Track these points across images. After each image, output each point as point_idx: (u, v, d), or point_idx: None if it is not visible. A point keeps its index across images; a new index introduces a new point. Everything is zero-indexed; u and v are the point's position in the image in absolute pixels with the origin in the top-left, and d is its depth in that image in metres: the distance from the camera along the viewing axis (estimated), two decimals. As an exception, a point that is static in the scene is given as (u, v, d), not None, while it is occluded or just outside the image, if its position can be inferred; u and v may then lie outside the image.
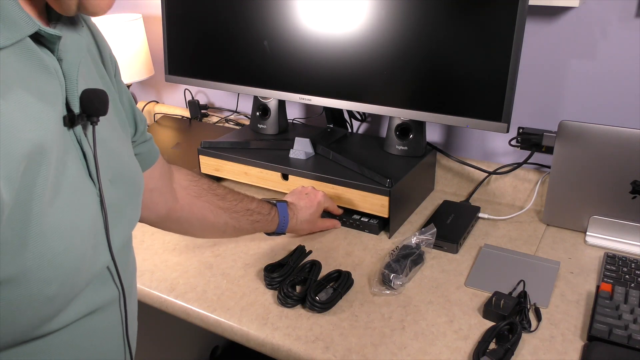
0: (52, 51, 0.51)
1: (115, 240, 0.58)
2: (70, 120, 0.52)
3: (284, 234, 1.04)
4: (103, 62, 0.64)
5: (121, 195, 0.60)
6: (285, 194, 1.23)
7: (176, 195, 0.88)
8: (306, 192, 1.09)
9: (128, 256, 0.66)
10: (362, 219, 1.12)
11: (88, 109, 0.53)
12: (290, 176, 1.18)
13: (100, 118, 0.55)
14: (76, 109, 0.53)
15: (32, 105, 0.47)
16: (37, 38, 0.49)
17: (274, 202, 1.02)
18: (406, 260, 0.96)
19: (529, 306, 0.88)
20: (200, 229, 0.94)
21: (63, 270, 0.49)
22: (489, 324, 0.85)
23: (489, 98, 1.01)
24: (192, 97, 1.67)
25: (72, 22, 0.56)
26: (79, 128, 0.53)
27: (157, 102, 1.77)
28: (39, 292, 0.47)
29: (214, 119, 1.64)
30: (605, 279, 0.93)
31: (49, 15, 0.54)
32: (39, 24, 0.48)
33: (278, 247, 1.07)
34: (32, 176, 0.45)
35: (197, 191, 0.91)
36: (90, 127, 0.54)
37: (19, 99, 0.46)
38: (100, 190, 0.55)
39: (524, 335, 0.82)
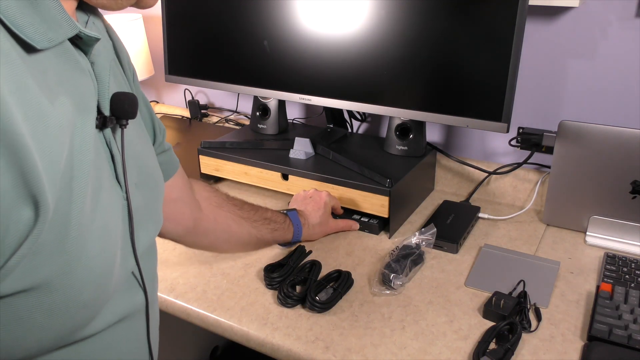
0: (85, 53, 0.51)
1: (139, 245, 0.57)
2: (101, 123, 0.52)
3: (300, 242, 1.04)
4: (123, 67, 0.64)
5: (145, 200, 0.60)
6: (285, 194, 1.23)
7: (200, 205, 0.87)
8: (310, 196, 1.09)
9: (152, 263, 0.66)
10: (362, 219, 1.12)
11: (118, 111, 0.53)
12: (290, 176, 1.18)
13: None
14: (106, 112, 0.53)
15: (71, 108, 0.47)
16: (73, 40, 0.49)
17: (284, 211, 1.02)
18: (406, 260, 0.96)
19: (529, 306, 0.88)
20: (226, 240, 0.93)
21: (97, 274, 0.49)
22: (489, 324, 0.85)
23: (489, 98, 1.01)
24: (192, 97, 1.67)
25: (97, 25, 0.56)
26: (108, 131, 0.53)
27: (157, 102, 1.77)
28: (75, 297, 0.47)
29: (214, 119, 1.64)
30: (605, 279, 0.93)
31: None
32: (79, 26, 0.48)
33: (278, 247, 1.07)
34: (72, 178, 0.45)
35: (217, 201, 0.91)
36: (118, 130, 0.54)
37: (62, 101, 0.46)
38: (127, 193, 0.55)
39: (524, 335, 0.82)
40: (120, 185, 0.55)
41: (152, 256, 0.66)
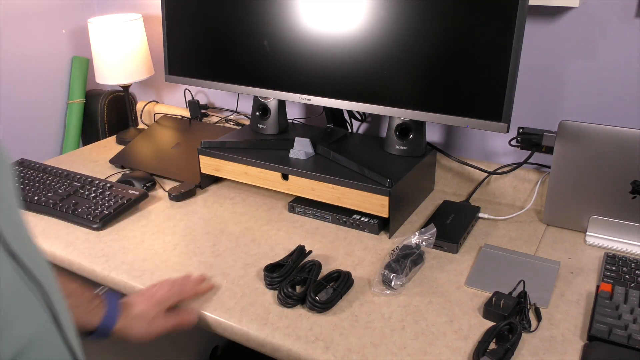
0: None
1: (10, 235, 0.46)
2: None
3: (108, 334, 0.82)
4: None
5: None
6: (285, 194, 1.23)
7: None
8: (157, 284, 0.92)
9: (36, 255, 0.52)
10: (362, 219, 1.12)
11: None
12: (290, 176, 1.18)
13: None
14: None
15: None
16: None
17: (104, 289, 0.87)
18: (406, 260, 0.96)
19: (529, 306, 0.88)
20: None
21: None
22: (489, 324, 0.85)
23: (489, 98, 1.01)
24: (192, 97, 1.67)
25: None
26: None
27: (157, 102, 1.77)
28: None
29: (214, 119, 1.64)
30: (605, 279, 0.93)
31: None
32: None
33: (278, 247, 1.07)
34: None
35: None
36: None
37: None
38: None
39: (524, 335, 0.82)
40: None
41: (32, 247, 0.52)
